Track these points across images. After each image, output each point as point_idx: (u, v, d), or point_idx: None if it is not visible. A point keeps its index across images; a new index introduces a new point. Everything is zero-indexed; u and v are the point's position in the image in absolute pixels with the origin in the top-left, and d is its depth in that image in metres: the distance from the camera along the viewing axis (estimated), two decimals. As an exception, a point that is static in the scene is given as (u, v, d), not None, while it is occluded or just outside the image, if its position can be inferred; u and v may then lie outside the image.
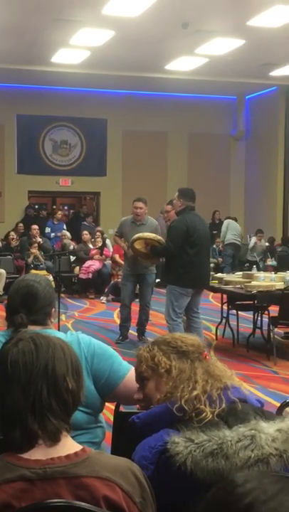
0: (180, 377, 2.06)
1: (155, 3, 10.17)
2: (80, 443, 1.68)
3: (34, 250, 13.51)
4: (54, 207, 18.79)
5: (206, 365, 2.10)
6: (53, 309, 2.54)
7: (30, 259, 13.43)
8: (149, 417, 2.01)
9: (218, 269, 14.11)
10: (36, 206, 19.24)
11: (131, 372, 2.49)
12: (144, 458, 1.89)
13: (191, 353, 2.12)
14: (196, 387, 2.01)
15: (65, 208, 19.73)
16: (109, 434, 2.68)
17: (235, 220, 16.03)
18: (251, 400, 2.09)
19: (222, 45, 12.68)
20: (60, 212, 16.63)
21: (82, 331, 2.59)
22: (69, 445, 1.63)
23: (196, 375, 2.05)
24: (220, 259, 15.54)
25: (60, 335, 2.35)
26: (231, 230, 15.39)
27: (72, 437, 1.68)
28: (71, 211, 19.67)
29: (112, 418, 2.75)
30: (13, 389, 1.62)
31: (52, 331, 2.44)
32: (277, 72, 15.10)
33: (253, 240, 15.80)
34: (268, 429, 1.88)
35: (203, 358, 2.12)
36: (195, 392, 1.99)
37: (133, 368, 2.51)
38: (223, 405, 1.98)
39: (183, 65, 14.33)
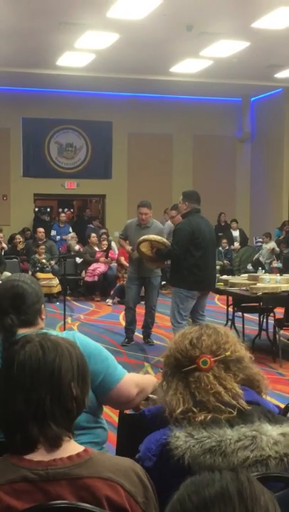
0: None
1: (159, 5, 10.19)
2: (81, 443, 1.68)
3: (40, 254, 13.51)
4: (60, 210, 18.78)
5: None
6: (42, 306, 2.48)
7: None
8: (159, 411, 2.05)
9: (225, 271, 14.09)
10: (48, 209, 19.27)
11: (125, 378, 2.48)
12: (148, 450, 1.93)
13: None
14: None
15: (70, 210, 19.70)
16: (114, 435, 2.69)
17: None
18: (266, 403, 2.10)
19: (227, 47, 12.68)
20: (63, 214, 16.64)
21: (86, 333, 2.58)
22: (71, 447, 1.63)
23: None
24: (226, 262, 15.50)
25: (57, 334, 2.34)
26: None
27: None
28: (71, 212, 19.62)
29: (116, 420, 2.75)
30: (17, 394, 1.61)
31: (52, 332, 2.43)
32: (283, 74, 15.10)
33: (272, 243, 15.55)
34: (271, 431, 1.88)
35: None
36: None
37: (128, 374, 2.51)
38: None
39: (188, 67, 14.34)
